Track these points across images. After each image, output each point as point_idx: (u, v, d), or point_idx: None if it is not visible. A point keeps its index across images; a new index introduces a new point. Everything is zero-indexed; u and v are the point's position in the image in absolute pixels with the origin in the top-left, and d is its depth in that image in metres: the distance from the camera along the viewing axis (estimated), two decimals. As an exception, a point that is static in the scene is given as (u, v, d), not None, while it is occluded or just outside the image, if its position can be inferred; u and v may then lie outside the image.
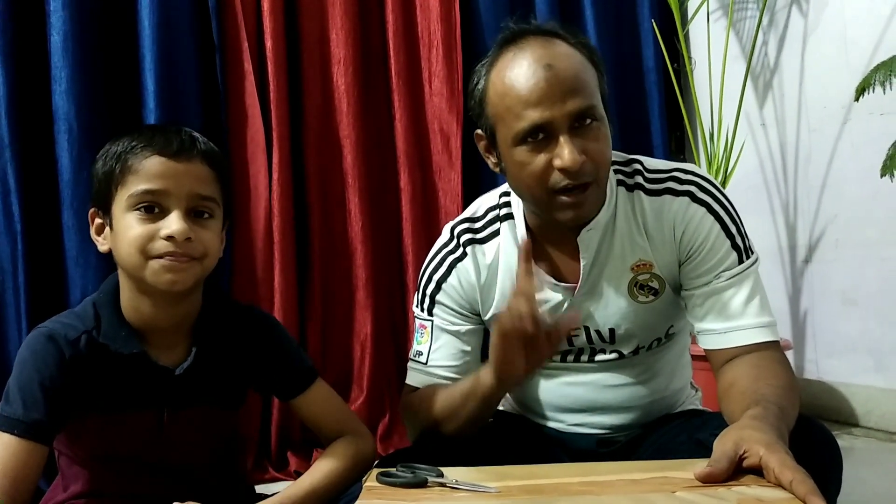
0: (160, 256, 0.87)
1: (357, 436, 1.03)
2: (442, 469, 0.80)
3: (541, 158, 0.92)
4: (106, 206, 0.92)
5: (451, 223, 1.11)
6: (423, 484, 0.77)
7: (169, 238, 0.87)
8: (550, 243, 1.04)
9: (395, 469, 0.81)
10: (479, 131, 1.01)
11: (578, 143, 0.90)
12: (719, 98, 2.08)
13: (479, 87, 0.98)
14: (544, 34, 0.95)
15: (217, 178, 0.94)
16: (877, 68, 1.62)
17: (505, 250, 1.06)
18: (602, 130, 0.93)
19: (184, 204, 0.89)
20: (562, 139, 0.90)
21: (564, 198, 0.93)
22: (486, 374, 0.93)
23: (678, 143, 2.45)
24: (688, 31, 2.30)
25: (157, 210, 0.89)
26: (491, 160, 1.02)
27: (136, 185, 0.88)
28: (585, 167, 0.91)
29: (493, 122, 0.96)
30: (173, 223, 0.87)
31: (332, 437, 1.03)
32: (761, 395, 0.84)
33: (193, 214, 0.90)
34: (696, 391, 1.20)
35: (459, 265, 1.07)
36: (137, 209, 0.88)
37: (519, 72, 0.92)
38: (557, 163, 0.90)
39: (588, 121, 0.91)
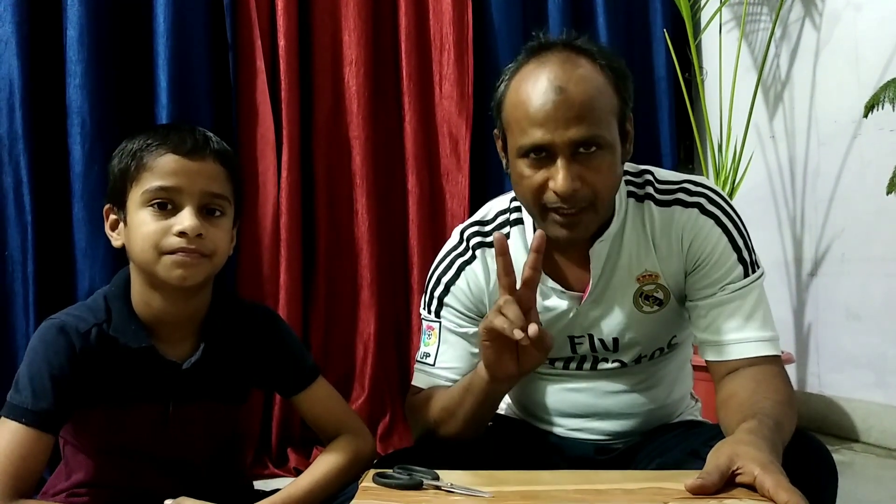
0: (172, 252, 0.89)
1: (356, 435, 1.04)
2: (438, 472, 0.82)
3: (539, 175, 0.93)
4: (121, 202, 0.93)
5: (461, 226, 1.11)
6: (418, 486, 0.79)
7: (181, 234, 0.89)
8: (558, 251, 1.04)
9: (391, 470, 0.82)
10: (496, 131, 1.03)
11: (577, 169, 0.91)
12: (729, 109, 2.09)
13: (500, 90, 0.99)
14: (570, 49, 0.95)
15: (229, 177, 0.96)
16: (886, 85, 1.62)
17: (514, 255, 1.06)
18: (606, 159, 0.93)
19: (196, 201, 0.91)
20: (559, 163, 0.91)
21: (557, 216, 0.95)
22: (481, 370, 0.95)
23: (687, 153, 2.45)
24: (700, 42, 2.31)
25: (170, 207, 0.90)
26: (504, 160, 1.04)
27: (150, 182, 0.90)
28: (580, 193, 0.92)
29: (506, 128, 0.99)
30: (185, 219, 0.89)
31: (332, 436, 1.04)
32: (759, 408, 0.85)
33: (205, 212, 0.92)
34: (696, 402, 1.21)
35: (468, 268, 1.07)
36: (151, 205, 0.90)
37: (533, 88, 0.92)
38: (552, 185, 0.92)
39: (592, 148, 0.91)
